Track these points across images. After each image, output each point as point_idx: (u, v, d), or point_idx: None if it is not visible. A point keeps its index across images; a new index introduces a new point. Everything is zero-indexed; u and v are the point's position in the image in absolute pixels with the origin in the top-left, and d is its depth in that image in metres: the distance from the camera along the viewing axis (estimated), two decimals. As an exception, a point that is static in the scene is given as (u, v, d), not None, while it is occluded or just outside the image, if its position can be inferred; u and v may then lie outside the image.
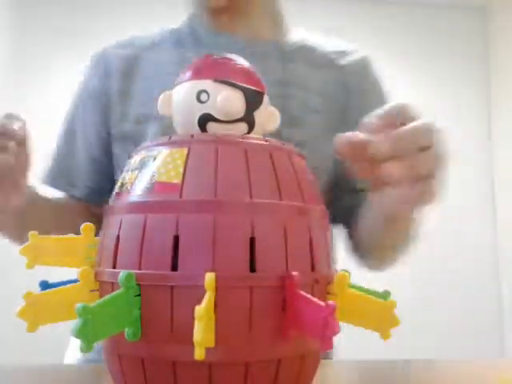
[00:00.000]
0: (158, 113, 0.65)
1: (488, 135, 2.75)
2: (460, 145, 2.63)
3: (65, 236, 0.35)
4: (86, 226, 0.35)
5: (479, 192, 2.70)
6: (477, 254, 2.63)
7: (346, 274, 0.34)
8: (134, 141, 0.65)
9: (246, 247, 0.30)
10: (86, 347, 0.26)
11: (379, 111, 0.39)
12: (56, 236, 0.35)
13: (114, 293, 0.29)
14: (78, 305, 0.26)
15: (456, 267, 2.58)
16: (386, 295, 0.39)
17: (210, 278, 0.28)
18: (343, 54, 0.74)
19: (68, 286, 0.33)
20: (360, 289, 0.38)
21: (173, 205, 0.30)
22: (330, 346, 0.26)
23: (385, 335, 0.31)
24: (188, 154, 0.32)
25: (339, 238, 0.74)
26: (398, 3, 2.73)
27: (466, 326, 2.53)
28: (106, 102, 0.70)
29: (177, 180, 0.31)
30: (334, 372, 0.45)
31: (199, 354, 0.25)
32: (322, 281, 0.33)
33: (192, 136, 0.33)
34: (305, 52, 0.72)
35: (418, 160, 0.38)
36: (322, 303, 0.27)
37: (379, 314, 0.32)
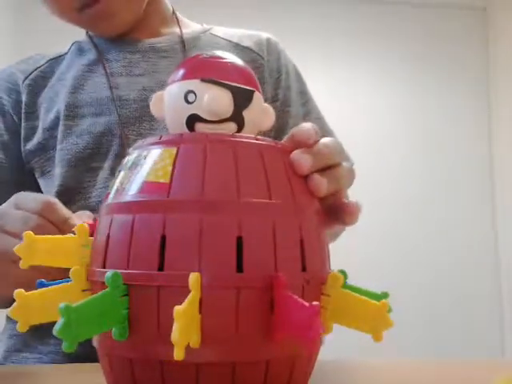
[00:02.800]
0: (63, 116, 0.64)
1: (488, 135, 2.75)
2: (460, 145, 2.72)
3: (59, 236, 0.35)
4: (80, 226, 0.35)
5: (479, 192, 2.71)
6: (477, 254, 2.63)
7: (340, 274, 0.33)
8: (47, 149, 0.65)
9: (233, 247, 0.29)
10: (69, 346, 0.26)
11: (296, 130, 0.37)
12: (51, 236, 0.35)
13: (100, 292, 0.29)
14: (61, 304, 0.26)
15: (456, 267, 2.60)
16: (383, 297, 0.38)
17: (194, 277, 0.28)
18: (247, 37, 0.75)
19: (60, 285, 0.33)
20: (357, 290, 0.38)
21: (160, 204, 0.30)
22: (314, 347, 0.26)
23: (377, 337, 0.30)
24: (177, 154, 0.32)
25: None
26: (397, 3, 2.74)
27: (465, 325, 2.54)
28: (16, 118, 0.68)
29: (164, 180, 0.31)
30: (332, 372, 0.45)
31: (178, 354, 0.24)
32: (314, 281, 0.32)
33: (181, 135, 0.33)
34: (206, 38, 0.73)
35: (339, 173, 0.37)
36: (306, 304, 0.27)
37: (372, 315, 0.31)
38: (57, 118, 0.65)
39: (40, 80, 0.70)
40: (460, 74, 2.75)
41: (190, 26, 0.77)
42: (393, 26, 2.72)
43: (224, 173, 0.31)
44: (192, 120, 0.34)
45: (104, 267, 0.31)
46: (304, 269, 0.32)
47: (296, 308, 0.27)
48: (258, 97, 0.36)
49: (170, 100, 0.36)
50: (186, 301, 0.26)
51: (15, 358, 0.58)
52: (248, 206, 0.30)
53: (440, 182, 2.65)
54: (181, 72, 0.36)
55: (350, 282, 0.40)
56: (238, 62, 0.37)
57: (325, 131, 0.73)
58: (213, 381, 0.29)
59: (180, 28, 0.74)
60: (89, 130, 0.64)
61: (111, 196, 0.34)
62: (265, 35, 0.76)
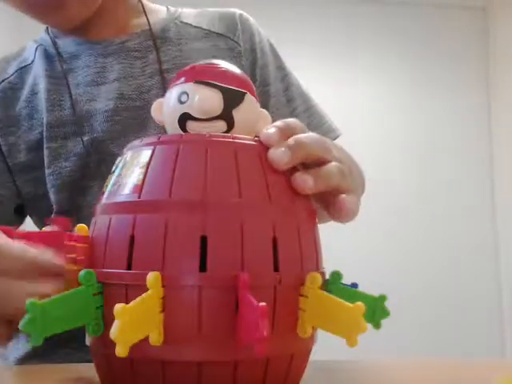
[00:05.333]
0: (46, 137, 0.62)
1: (488, 135, 2.70)
2: (460, 145, 2.67)
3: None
4: (81, 227, 0.37)
5: (479, 192, 2.67)
6: (477, 254, 2.60)
7: (318, 275, 0.31)
8: (34, 168, 0.63)
9: (196, 246, 0.29)
10: (35, 340, 0.28)
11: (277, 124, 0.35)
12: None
13: (73, 290, 0.30)
14: (27, 301, 0.28)
15: (456, 267, 2.57)
16: (381, 300, 0.36)
17: (152, 276, 0.28)
18: (218, 19, 0.71)
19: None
20: (352, 292, 0.36)
21: (131, 205, 0.31)
22: (259, 349, 0.25)
23: (351, 342, 0.29)
24: (152, 156, 0.33)
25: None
26: (397, 3, 2.72)
27: (465, 325, 2.51)
28: None
29: (138, 181, 0.32)
30: (331, 371, 0.43)
31: (120, 351, 0.25)
32: (289, 282, 0.31)
33: (159, 137, 0.34)
34: (176, 29, 0.69)
35: (326, 170, 0.35)
36: (255, 304, 0.26)
37: (346, 319, 0.29)
38: (40, 140, 0.63)
39: (9, 92, 0.66)
40: (459, 74, 2.74)
41: (157, 12, 0.72)
42: (392, 25, 2.74)
43: (193, 173, 0.31)
44: (184, 119, 0.35)
45: (90, 267, 0.33)
46: (277, 269, 0.31)
47: (248, 309, 0.27)
48: (250, 99, 0.37)
49: (167, 103, 0.37)
50: (137, 298, 0.27)
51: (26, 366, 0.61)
52: (215, 205, 0.30)
53: (440, 182, 2.65)
54: (177, 80, 0.37)
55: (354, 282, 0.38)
56: (234, 69, 0.38)
57: (308, 106, 0.70)
58: (180, 378, 0.30)
59: (148, 19, 0.68)
60: (74, 152, 0.62)
61: (104, 197, 0.36)
62: (237, 12, 0.72)
